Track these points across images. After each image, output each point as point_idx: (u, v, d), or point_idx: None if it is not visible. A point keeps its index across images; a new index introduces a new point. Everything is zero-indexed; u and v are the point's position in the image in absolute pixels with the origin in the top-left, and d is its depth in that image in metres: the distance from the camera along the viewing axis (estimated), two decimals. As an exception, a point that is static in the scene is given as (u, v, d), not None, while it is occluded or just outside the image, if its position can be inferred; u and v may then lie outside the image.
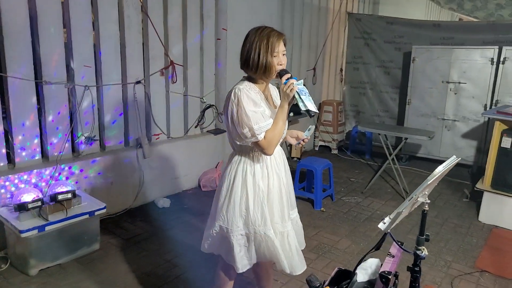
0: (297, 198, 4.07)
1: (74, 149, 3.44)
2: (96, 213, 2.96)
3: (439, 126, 5.41)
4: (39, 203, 2.75)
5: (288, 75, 1.70)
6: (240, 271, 1.88)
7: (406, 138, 4.35)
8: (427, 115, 5.51)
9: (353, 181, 4.88)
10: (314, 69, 6.16)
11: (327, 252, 3.13)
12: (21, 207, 2.68)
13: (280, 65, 1.73)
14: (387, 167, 4.67)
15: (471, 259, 3.07)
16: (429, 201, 1.32)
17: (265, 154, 1.77)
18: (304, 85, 1.72)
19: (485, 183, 3.80)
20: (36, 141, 3.13)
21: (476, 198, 4.11)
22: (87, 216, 2.90)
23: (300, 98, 1.65)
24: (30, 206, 2.70)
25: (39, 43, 2.99)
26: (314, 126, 2.01)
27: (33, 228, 2.61)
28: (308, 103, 1.65)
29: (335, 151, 6.18)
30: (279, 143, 1.85)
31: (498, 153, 3.64)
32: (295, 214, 2.03)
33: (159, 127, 4.05)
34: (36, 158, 3.16)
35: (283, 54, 1.75)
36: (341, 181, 4.86)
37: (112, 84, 3.54)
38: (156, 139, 4.06)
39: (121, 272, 2.77)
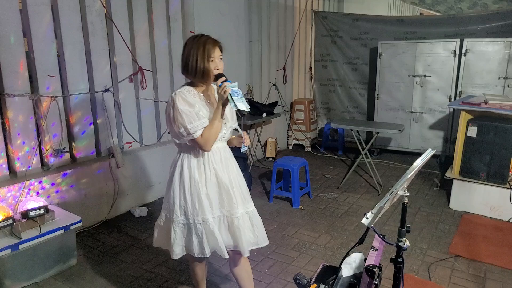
0: (274, 197, 4.15)
1: (43, 162, 3.31)
2: (72, 227, 2.86)
3: (407, 119, 5.59)
4: (10, 221, 2.62)
5: (223, 79, 1.84)
6: (175, 257, 2.06)
7: (377, 133, 4.46)
8: (395, 109, 5.68)
9: (328, 178, 4.96)
10: (284, 68, 6.21)
11: (308, 249, 3.16)
12: (-9, 227, 2.55)
13: (217, 69, 1.89)
14: (360, 162, 4.78)
15: (445, 245, 3.19)
16: (408, 194, 1.36)
17: (203, 150, 1.94)
18: (238, 87, 1.87)
19: (453, 172, 3.96)
20: (2, 156, 2.99)
21: (446, 186, 4.28)
22: (62, 231, 2.80)
23: (232, 99, 1.78)
24: (0, 225, 2.57)
25: (-2, 54, 2.86)
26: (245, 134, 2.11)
27: (6, 248, 2.50)
28: (240, 104, 1.78)
29: (308, 149, 6.26)
30: (219, 140, 2.01)
31: (464, 142, 3.79)
32: (250, 208, 2.10)
33: (131, 135, 3.97)
34: (3, 174, 3.02)
35: (220, 59, 1.91)
36: (317, 178, 4.93)
37: (79, 94, 3.43)
38: (129, 147, 3.98)
39: (101, 286, 2.69)
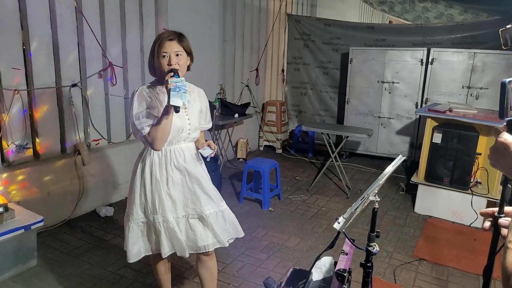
0: (245, 198, 4.15)
1: (3, 158, 3.14)
2: (33, 227, 2.74)
3: (376, 124, 5.75)
4: (-35, 221, 2.48)
5: (170, 74, 1.78)
6: (131, 260, 2.02)
7: (347, 137, 4.56)
8: (364, 114, 5.83)
9: (298, 180, 5.02)
10: (257, 69, 6.23)
11: (277, 251, 3.18)
12: None
13: (170, 65, 1.83)
14: (330, 165, 4.87)
15: (409, 249, 3.30)
16: (379, 199, 1.39)
17: (153, 148, 1.88)
18: (185, 83, 1.80)
19: (419, 176, 4.11)
20: (-42, 151, 2.82)
21: (411, 190, 4.43)
22: (22, 230, 2.67)
23: (169, 93, 1.70)
24: (-47, 225, 2.42)
25: (-43, 43, 2.69)
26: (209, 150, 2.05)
27: (-41, 249, 2.35)
28: (175, 99, 1.68)
29: (279, 151, 6.30)
30: (180, 140, 1.97)
31: (430, 148, 3.95)
32: (223, 207, 2.11)
33: (98, 132, 3.84)
34: (-41, 170, 2.85)
35: (177, 55, 1.85)
36: (287, 180, 4.97)
37: (45, 88, 3.29)
38: (96, 144, 3.85)
39: (63, 289, 2.59)
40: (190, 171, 1.99)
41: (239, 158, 5.73)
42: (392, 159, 1.56)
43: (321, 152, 6.05)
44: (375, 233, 1.42)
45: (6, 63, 2.99)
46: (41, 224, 2.79)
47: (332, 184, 4.88)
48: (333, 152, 4.59)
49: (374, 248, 1.41)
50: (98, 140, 3.85)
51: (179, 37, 1.86)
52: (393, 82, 5.55)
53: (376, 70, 5.62)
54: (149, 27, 4.20)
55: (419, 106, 5.42)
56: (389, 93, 5.60)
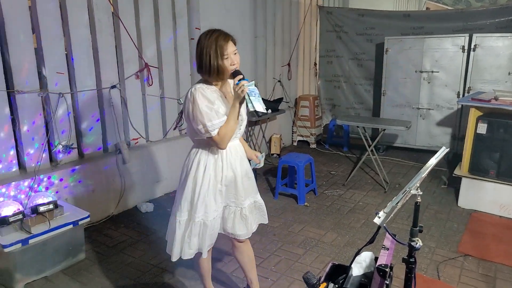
0: (280, 194, 4.15)
1: (52, 158, 3.33)
2: (80, 222, 2.88)
3: (414, 115, 5.56)
4: (20, 216, 2.65)
5: (240, 76, 1.80)
6: (174, 258, 2.06)
7: (384, 129, 4.44)
8: (402, 105, 5.65)
9: (333, 174, 4.96)
10: (288, 64, 6.19)
11: (314, 247, 3.16)
12: (2, 222, 2.58)
13: (233, 65, 1.85)
14: (366, 159, 4.77)
15: (453, 244, 3.18)
16: (421, 193, 1.35)
17: (219, 148, 1.93)
18: (256, 86, 1.84)
19: (462, 169, 3.94)
20: (12, 152, 3.01)
21: (454, 184, 4.26)
22: (71, 226, 2.82)
23: (249, 99, 1.75)
24: (11, 219, 2.60)
25: (8, 51, 2.87)
26: (264, 154, 2.26)
27: (16, 242, 2.52)
28: (257, 104, 1.75)
29: (313, 146, 6.25)
30: (234, 137, 2.02)
31: (474, 139, 3.77)
32: (258, 197, 2.23)
33: (137, 131, 3.98)
34: (13, 170, 3.04)
35: (235, 54, 1.86)
36: (322, 175, 4.92)
37: (87, 90, 3.44)
38: (135, 143, 3.99)
39: (109, 280, 2.72)
40: (241, 168, 2.06)
41: (273, 154, 5.74)
42: (432, 152, 1.51)
43: (356, 146, 5.94)
44: (417, 228, 1.38)
45: (51, 68, 3.15)
46: (88, 219, 2.94)
47: (369, 178, 4.78)
48: (369, 146, 4.49)
49: (417, 243, 1.37)
50: (137, 139, 3.99)
51: (231, 35, 1.89)
52: (432, 72, 5.34)
53: (413, 60, 5.42)
54: (181, 27, 4.28)
55: (461, 96, 5.19)
56: (428, 83, 5.40)
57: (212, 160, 1.98)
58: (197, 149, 2.02)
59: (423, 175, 1.30)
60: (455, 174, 3.96)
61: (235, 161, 2.03)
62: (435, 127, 5.49)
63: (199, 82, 1.95)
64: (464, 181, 3.87)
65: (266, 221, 2.28)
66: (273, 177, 4.75)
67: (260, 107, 1.75)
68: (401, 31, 5.88)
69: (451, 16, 5.65)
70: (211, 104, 1.84)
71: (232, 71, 1.84)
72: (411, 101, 5.58)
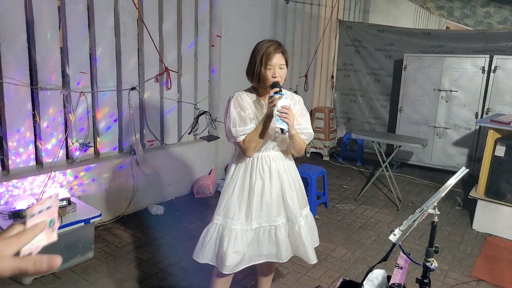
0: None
1: (68, 155, 3.38)
2: (91, 220, 2.91)
3: (430, 134, 5.49)
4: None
5: (276, 89, 1.78)
6: (193, 255, 2.02)
7: (399, 146, 4.40)
8: (418, 123, 5.59)
9: (345, 188, 4.91)
10: (305, 76, 6.20)
11: (323, 261, 3.13)
12: (16, 215, 2.62)
13: (274, 77, 1.82)
14: (380, 174, 4.71)
15: (467, 268, 3.10)
16: (438, 213, 1.33)
17: (245, 155, 1.92)
18: (290, 103, 1.80)
19: (478, 191, 3.86)
20: (31, 147, 3.07)
21: (469, 206, 4.17)
22: (82, 224, 2.84)
23: (275, 114, 1.75)
24: (24, 213, 2.63)
25: (35, 48, 2.94)
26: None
27: (28, 237, 2.54)
28: (280, 121, 1.73)
29: (326, 158, 6.21)
30: (269, 149, 1.97)
31: (491, 162, 3.70)
32: (305, 212, 2.14)
33: (153, 134, 4.02)
34: (31, 164, 3.10)
35: (281, 68, 1.85)
36: (334, 188, 4.89)
37: (107, 90, 3.50)
38: (150, 145, 4.03)
39: (115, 281, 2.73)
40: (275, 182, 1.97)
41: (286, 164, 5.71)
42: (447, 172, 1.50)
43: (370, 161, 5.88)
44: (433, 248, 1.36)
45: (74, 67, 3.22)
46: (99, 218, 2.96)
47: (382, 194, 4.72)
48: (383, 162, 4.44)
49: (432, 263, 1.35)
50: (152, 141, 4.02)
51: (284, 49, 1.88)
52: (450, 91, 5.28)
53: (432, 78, 5.38)
54: (203, 34, 4.34)
55: (479, 117, 5.11)
56: (446, 101, 5.34)
57: (243, 165, 1.97)
58: (237, 153, 2.04)
59: (441, 195, 1.28)
60: (470, 196, 3.88)
61: (266, 173, 1.95)
62: (451, 146, 5.41)
63: (248, 88, 2.00)
64: (479, 204, 3.79)
65: (316, 243, 2.22)
66: (284, 187, 4.73)
67: (284, 125, 1.73)
68: (421, 49, 5.85)
69: (472, 36, 5.61)
70: (242, 111, 1.87)
71: (271, 83, 1.83)
72: (428, 119, 5.52)
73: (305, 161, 5.97)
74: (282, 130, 1.75)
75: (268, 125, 1.84)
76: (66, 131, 3.28)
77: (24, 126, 2.98)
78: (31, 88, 2.98)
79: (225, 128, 1.95)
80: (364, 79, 6.54)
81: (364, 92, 6.59)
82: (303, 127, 1.97)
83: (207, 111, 4.56)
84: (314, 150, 6.36)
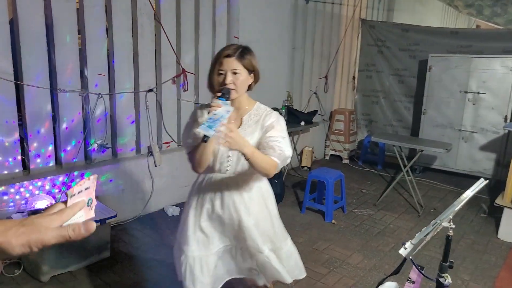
0: (307, 209, 4.06)
1: (86, 156, 3.44)
2: (107, 221, 2.94)
3: (456, 138, 5.29)
4: (51, 211, 2.74)
5: (218, 94, 1.60)
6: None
7: (421, 150, 4.25)
8: (443, 126, 5.40)
9: (365, 193, 4.80)
10: (326, 77, 6.10)
11: (338, 267, 3.05)
12: (35, 214, 2.67)
13: (225, 84, 1.63)
14: (401, 179, 4.57)
15: (489, 279, 2.96)
16: (453, 226, 1.25)
17: (193, 170, 1.75)
18: (229, 110, 1.54)
19: (505, 199, 3.68)
20: (51, 148, 3.14)
21: (494, 213, 3.98)
22: (98, 224, 2.88)
23: (208, 120, 1.47)
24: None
25: (54, 51, 3.01)
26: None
27: (45, 236, 2.60)
28: (206, 128, 1.43)
29: (346, 161, 6.09)
30: (225, 172, 1.76)
31: (519, 168, 3.52)
32: (278, 247, 1.88)
33: (170, 135, 4.04)
34: (50, 165, 3.17)
35: (235, 73, 1.65)
36: (353, 192, 4.78)
37: (124, 92, 3.54)
38: (167, 147, 4.05)
39: (130, 281, 2.75)
40: (228, 212, 1.78)
41: (304, 167, 5.64)
42: (473, 177, 1.41)
43: (391, 164, 5.72)
44: (448, 263, 1.28)
45: (92, 70, 3.27)
46: (115, 218, 3.00)
47: (402, 200, 4.58)
48: (405, 166, 4.30)
49: (446, 279, 1.27)
50: (169, 142, 4.05)
51: (241, 53, 1.66)
52: (478, 93, 5.07)
53: (458, 79, 5.18)
54: (220, 35, 4.33)
55: (508, 120, 4.88)
56: (473, 104, 5.13)
57: (197, 184, 1.85)
58: None
59: (456, 208, 1.20)
60: (496, 204, 3.70)
61: (217, 199, 1.78)
62: (478, 151, 5.19)
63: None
64: (506, 212, 3.61)
65: (288, 280, 1.91)
66: (302, 190, 4.67)
67: (210, 131, 1.42)
68: (447, 49, 5.63)
69: (503, 35, 5.36)
70: (193, 122, 1.74)
71: (220, 90, 1.62)
72: (453, 122, 5.31)
73: (324, 164, 5.87)
74: (204, 136, 1.45)
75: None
76: (84, 132, 3.33)
77: (44, 127, 3.05)
78: (50, 90, 3.04)
79: None
80: (387, 80, 6.38)
81: (386, 94, 6.42)
82: (272, 139, 1.67)
83: (224, 113, 4.55)
84: (333, 152, 6.25)
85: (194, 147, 1.67)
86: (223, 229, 1.81)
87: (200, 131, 1.43)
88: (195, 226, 1.81)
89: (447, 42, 5.68)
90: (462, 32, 5.75)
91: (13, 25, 2.82)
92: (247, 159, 1.55)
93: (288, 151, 1.69)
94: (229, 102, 1.58)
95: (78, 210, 0.72)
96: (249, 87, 1.75)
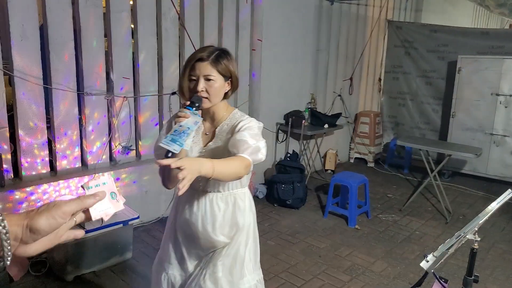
0: (330, 213, 4.00)
1: (111, 157, 3.52)
2: (130, 222, 2.99)
3: (487, 142, 5.08)
4: (76, 212, 2.81)
5: (187, 103, 1.40)
6: None
7: (449, 155, 4.10)
8: (473, 129, 5.20)
9: (390, 197, 4.68)
10: (351, 79, 6.00)
11: (361, 275, 2.98)
12: (59, 215, 2.76)
13: (196, 91, 1.44)
14: (428, 184, 4.43)
15: (521, 291, 2.82)
16: (479, 239, 1.19)
17: (163, 185, 1.59)
18: (197, 121, 1.37)
19: (538, 207, 3.50)
20: (77, 149, 3.23)
21: (528, 221, 3.80)
22: (121, 225, 2.94)
23: (173, 132, 1.29)
24: (68, 214, 2.77)
25: (81, 55, 3.09)
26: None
27: (71, 236, 2.67)
28: (168, 140, 1.25)
29: (371, 164, 5.97)
30: (198, 188, 1.57)
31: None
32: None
33: (193, 137, 4.07)
34: (76, 166, 3.26)
35: (208, 79, 1.45)
36: (377, 196, 4.67)
37: (149, 95, 3.60)
38: (190, 149, 4.08)
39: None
40: (199, 233, 1.60)
41: (327, 170, 5.57)
42: (505, 183, 1.34)
43: (418, 168, 5.56)
44: (472, 277, 1.22)
45: (118, 73, 3.35)
46: (137, 220, 3.05)
47: (430, 205, 4.43)
48: (432, 170, 4.17)
49: (470, 295, 1.21)
50: (192, 145, 4.08)
51: (216, 57, 1.46)
52: (510, 95, 4.85)
53: (489, 81, 4.98)
54: (244, 38, 4.34)
55: (543, 124, 4.65)
56: (505, 107, 4.91)
57: (174, 201, 1.72)
58: None
59: (481, 221, 1.14)
60: (530, 212, 3.53)
61: (187, 216, 1.60)
62: (510, 156, 4.97)
63: None
64: (541, 221, 3.43)
65: None
66: (325, 194, 4.60)
67: (172, 145, 1.24)
68: (478, 50, 5.43)
69: (538, 35, 5.12)
70: (165, 132, 1.57)
71: (191, 97, 1.45)
72: (484, 126, 5.11)
73: (348, 167, 5.78)
74: (167, 152, 1.24)
75: (182, 153, 1.39)
76: (109, 134, 3.41)
77: (71, 129, 3.15)
78: (77, 93, 3.14)
79: None
80: (414, 81, 6.21)
81: (414, 96, 6.25)
82: (239, 135, 1.46)
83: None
84: (358, 155, 6.14)
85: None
86: (197, 251, 1.64)
87: (163, 145, 1.24)
88: (175, 244, 1.68)
89: (477, 43, 5.48)
90: (493, 33, 5.53)
91: (43, 31, 2.92)
92: (210, 178, 1.32)
93: (259, 142, 1.47)
94: (198, 112, 1.39)
95: (98, 199, 0.77)
96: (226, 95, 1.55)
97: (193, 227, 1.59)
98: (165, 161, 1.16)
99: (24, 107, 2.87)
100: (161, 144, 1.25)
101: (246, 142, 1.43)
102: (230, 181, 1.51)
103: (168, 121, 1.61)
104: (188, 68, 1.47)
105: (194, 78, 1.46)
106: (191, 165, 1.19)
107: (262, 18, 4.33)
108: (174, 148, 1.22)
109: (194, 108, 1.38)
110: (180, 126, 1.30)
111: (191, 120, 1.32)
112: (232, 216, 1.58)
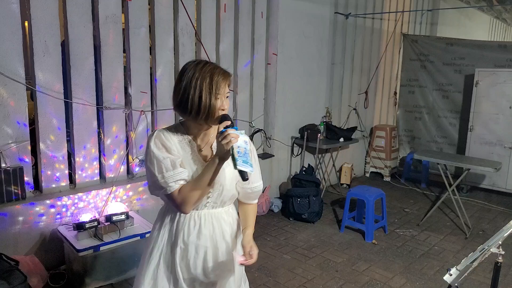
0: (346, 227, 3.94)
1: (128, 171, 3.56)
2: (147, 235, 3.01)
3: (506, 156, 4.97)
4: (96, 223, 2.85)
5: (228, 123, 1.35)
6: None
7: (468, 169, 4.03)
8: (491, 143, 5.10)
9: (407, 212, 4.59)
10: (366, 92, 5.99)
11: (380, 290, 2.92)
12: (79, 227, 2.80)
13: (223, 110, 1.42)
14: (446, 198, 4.34)
15: (548, 311, 2.71)
16: (503, 252, 1.16)
17: (180, 210, 1.46)
18: (246, 140, 1.37)
19: None
20: (95, 163, 3.29)
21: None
22: (138, 238, 2.96)
23: (233, 153, 1.30)
24: (87, 225, 2.81)
25: (101, 70, 3.18)
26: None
27: (89, 248, 2.71)
28: (242, 162, 1.29)
29: (387, 179, 5.89)
30: (212, 207, 1.53)
31: None
32: None
33: (208, 151, 4.10)
34: (95, 179, 3.31)
35: (227, 97, 1.44)
36: (395, 211, 4.59)
37: (166, 109, 3.66)
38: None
39: (167, 297, 2.77)
40: (200, 252, 1.52)
41: (343, 184, 5.52)
42: None
43: (436, 183, 5.46)
44: (498, 293, 1.18)
45: (136, 87, 3.42)
46: (153, 233, 3.06)
47: (448, 220, 4.33)
48: (450, 185, 4.09)
49: (496, 311, 1.17)
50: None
51: (230, 75, 1.46)
52: (530, 108, 4.76)
53: (508, 95, 4.91)
54: (259, 52, 4.39)
55: None
56: (525, 120, 4.82)
57: (168, 228, 1.54)
58: (160, 210, 1.63)
59: (506, 234, 1.12)
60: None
61: (193, 237, 1.50)
62: (532, 170, 4.85)
63: (175, 124, 1.56)
64: None
65: None
66: (341, 208, 4.55)
67: (247, 166, 1.29)
68: (495, 63, 5.37)
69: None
70: (168, 152, 1.42)
71: (220, 116, 1.40)
72: (503, 140, 5.01)
73: (364, 182, 5.72)
74: (243, 174, 1.30)
75: (218, 171, 1.38)
76: (127, 148, 3.47)
77: (90, 143, 3.21)
78: (96, 107, 3.21)
79: (147, 176, 1.46)
80: (431, 95, 6.15)
81: (430, 109, 6.19)
82: (254, 186, 1.58)
83: (262, 129, 4.57)
84: (374, 170, 6.07)
85: (190, 184, 1.40)
86: (193, 276, 1.54)
87: (243, 169, 1.28)
88: (170, 277, 1.55)
89: (494, 56, 5.42)
90: (510, 46, 5.47)
91: (64, 46, 3.02)
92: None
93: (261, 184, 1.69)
94: (243, 131, 1.38)
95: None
96: None
97: (196, 252, 1.51)
98: (245, 262, 1.50)
99: (46, 121, 2.95)
100: (241, 168, 1.28)
101: (258, 192, 1.69)
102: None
103: (157, 139, 1.44)
104: (217, 87, 1.39)
105: (219, 96, 1.40)
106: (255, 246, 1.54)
107: (278, 32, 4.39)
108: (250, 169, 1.30)
109: (237, 127, 1.37)
110: (238, 147, 1.31)
111: (241, 139, 1.33)
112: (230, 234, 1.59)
